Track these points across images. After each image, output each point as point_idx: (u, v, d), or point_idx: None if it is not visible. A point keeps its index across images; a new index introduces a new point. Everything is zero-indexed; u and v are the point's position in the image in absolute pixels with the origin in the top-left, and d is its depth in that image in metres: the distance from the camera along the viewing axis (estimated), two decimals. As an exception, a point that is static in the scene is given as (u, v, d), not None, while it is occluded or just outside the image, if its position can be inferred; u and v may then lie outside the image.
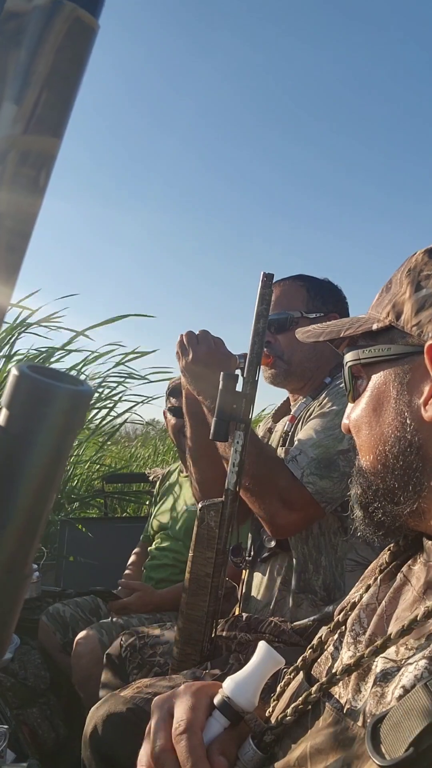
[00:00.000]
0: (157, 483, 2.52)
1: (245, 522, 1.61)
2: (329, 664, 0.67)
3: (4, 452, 0.30)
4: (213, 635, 1.22)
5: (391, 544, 0.72)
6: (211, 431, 1.28)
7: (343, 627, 0.69)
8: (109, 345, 3.85)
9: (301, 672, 0.69)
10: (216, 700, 0.65)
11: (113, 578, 2.23)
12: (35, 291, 3.58)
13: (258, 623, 1.25)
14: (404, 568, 0.67)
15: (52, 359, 3.66)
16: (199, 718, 0.63)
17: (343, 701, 0.60)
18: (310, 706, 0.62)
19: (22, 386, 0.29)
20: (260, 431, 1.70)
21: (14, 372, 0.29)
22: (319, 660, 0.70)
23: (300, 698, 0.63)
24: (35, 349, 3.61)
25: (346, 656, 0.65)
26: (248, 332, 1.30)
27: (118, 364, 3.89)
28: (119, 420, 4.23)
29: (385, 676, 0.57)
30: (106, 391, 4.01)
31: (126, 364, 3.89)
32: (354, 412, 0.69)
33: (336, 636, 0.69)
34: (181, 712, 0.64)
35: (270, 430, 1.68)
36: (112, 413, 4.13)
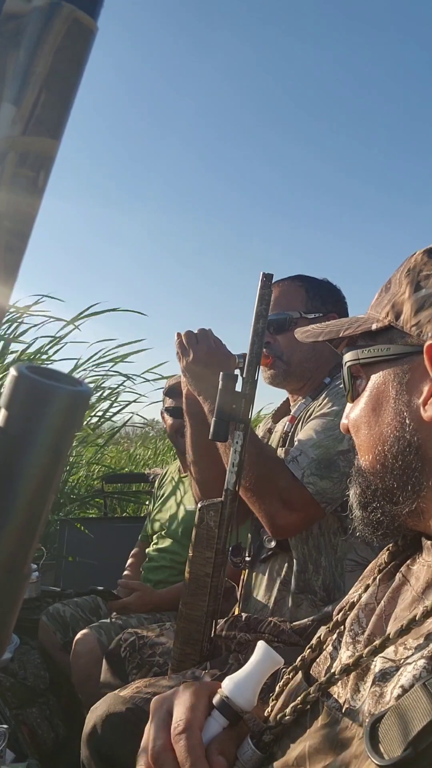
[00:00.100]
0: (156, 483, 2.52)
1: (245, 522, 1.61)
2: (328, 664, 0.68)
3: (3, 453, 0.30)
4: (212, 635, 1.22)
5: (390, 544, 0.72)
6: (211, 431, 1.28)
7: (342, 627, 0.69)
8: (102, 341, 3.84)
9: (300, 672, 0.69)
10: (215, 699, 0.65)
11: (113, 578, 2.23)
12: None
13: (257, 623, 1.25)
14: (403, 568, 0.67)
15: (44, 352, 3.66)
16: (198, 718, 0.63)
17: (341, 701, 0.60)
18: (308, 706, 0.62)
19: (20, 387, 0.29)
20: (260, 432, 1.70)
21: (13, 372, 0.29)
22: (317, 660, 0.70)
23: (299, 698, 0.63)
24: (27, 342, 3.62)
25: (344, 656, 0.65)
26: (248, 332, 1.30)
27: (113, 362, 3.89)
28: (118, 417, 4.24)
29: (384, 676, 0.57)
30: (107, 392, 4.02)
31: (124, 360, 3.89)
32: (353, 412, 0.69)
33: (335, 636, 0.70)
34: (180, 711, 0.64)
35: (270, 431, 1.68)
36: (111, 411, 4.14)
